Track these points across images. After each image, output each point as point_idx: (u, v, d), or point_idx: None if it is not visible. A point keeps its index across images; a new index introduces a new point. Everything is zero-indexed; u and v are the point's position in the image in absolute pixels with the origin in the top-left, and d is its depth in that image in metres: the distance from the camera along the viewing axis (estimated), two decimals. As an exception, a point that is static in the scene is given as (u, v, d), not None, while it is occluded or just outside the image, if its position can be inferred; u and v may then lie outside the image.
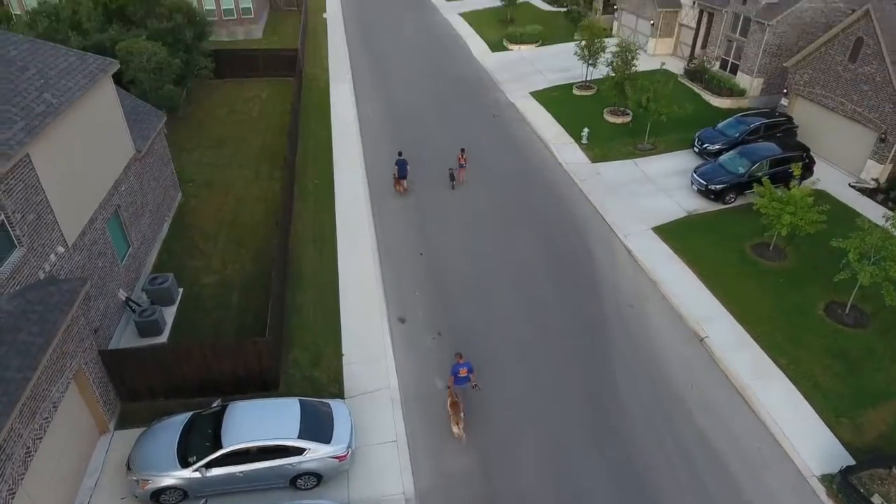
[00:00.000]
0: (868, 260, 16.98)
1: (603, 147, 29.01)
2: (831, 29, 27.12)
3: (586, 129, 29.39)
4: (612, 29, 45.30)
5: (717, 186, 23.79)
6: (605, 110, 32.13)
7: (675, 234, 22.66)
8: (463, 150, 26.18)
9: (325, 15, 53.53)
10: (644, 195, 25.18)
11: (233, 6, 43.76)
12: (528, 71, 39.49)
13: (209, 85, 34.62)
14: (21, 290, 11.92)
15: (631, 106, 28.94)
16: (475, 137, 30.16)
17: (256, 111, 32.62)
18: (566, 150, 28.92)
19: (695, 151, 27.98)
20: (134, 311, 17.21)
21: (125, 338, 16.83)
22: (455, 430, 14.43)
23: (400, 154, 25.26)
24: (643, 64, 32.64)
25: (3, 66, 13.39)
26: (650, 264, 21.02)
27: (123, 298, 17.32)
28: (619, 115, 31.47)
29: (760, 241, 21.69)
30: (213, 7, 43.20)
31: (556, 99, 34.71)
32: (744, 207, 23.85)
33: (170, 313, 17.90)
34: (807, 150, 24.80)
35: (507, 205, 24.56)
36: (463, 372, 14.98)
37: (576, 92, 35.26)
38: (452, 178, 25.72)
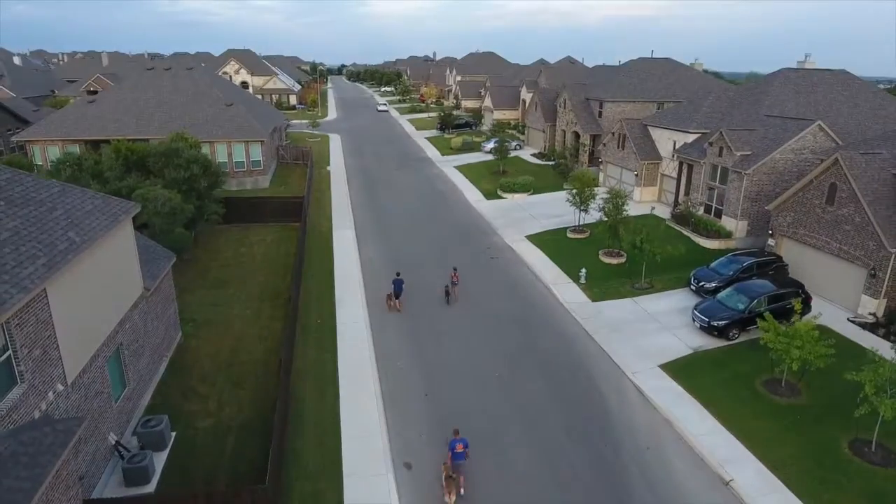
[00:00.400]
0: (886, 393, 16.63)
1: (601, 286, 29.58)
2: (804, 176, 29.29)
3: (584, 270, 30.18)
4: (598, 179, 48.51)
5: (720, 323, 23.92)
6: (599, 252, 33.27)
7: (684, 371, 22.30)
8: (455, 269, 29.09)
9: (328, 168, 57.24)
10: (648, 333, 25.17)
11: (244, 159, 46.83)
12: (522, 216, 41.49)
13: (216, 229, 35.86)
14: (14, 430, 11.21)
15: (625, 247, 30.06)
16: (475, 277, 30.82)
17: (260, 254, 33.45)
18: (566, 290, 29.41)
19: (691, 289, 28.55)
20: (122, 456, 16.11)
21: (110, 486, 15.54)
22: (447, 499, 15.42)
23: (398, 274, 27.66)
24: (631, 210, 34.51)
25: (33, 207, 13.92)
26: (663, 403, 20.39)
27: (113, 442, 16.29)
28: (614, 257, 32.54)
29: (771, 377, 21.35)
30: (226, 160, 46.21)
31: (551, 242, 36.07)
32: (748, 343, 23.80)
33: (160, 459, 16.74)
34: (801, 286, 25.41)
35: (512, 343, 24.38)
36: (459, 447, 16.26)
37: (570, 235, 36.76)
38: (448, 293, 27.99)
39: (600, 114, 53.00)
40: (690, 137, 39.54)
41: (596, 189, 37.10)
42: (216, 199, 33.31)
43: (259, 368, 21.82)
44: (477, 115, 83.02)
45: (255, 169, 47.50)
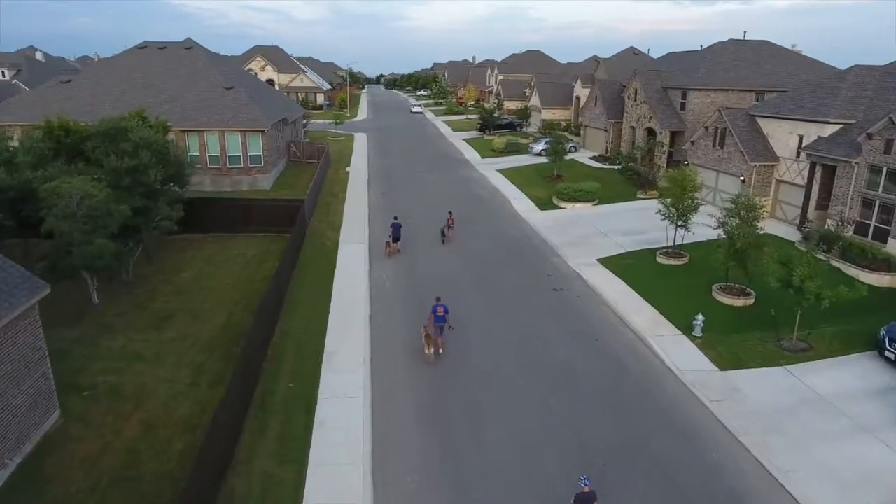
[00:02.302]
0: None
1: (728, 343, 19.34)
2: None
3: (700, 317, 19.94)
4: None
5: (985, 433, 13.43)
6: (713, 287, 22.99)
7: (937, 529, 11.93)
8: (451, 213, 30.30)
9: (347, 168, 48.27)
10: (833, 437, 14.83)
11: (240, 153, 38.14)
12: (588, 232, 31.43)
13: (182, 241, 26.99)
14: None
15: (770, 283, 19.76)
16: (534, 321, 21.02)
17: (233, 275, 24.31)
18: (674, 348, 19.25)
19: (888, 358, 18.02)
20: None
21: None
22: (427, 351, 17.83)
23: (395, 218, 28.00)
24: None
25: None
26: None
27: None
28: (737, 295, 22.23)
29: None
30: (218, 153, 37.61)
31: (635, 269, 25.95)
32: None
33: None
34: None
35: (600, 439, 14.36)
36: (440, 311, 18.14)
37: (661, 260, 26.55)
38: (444, 234, 29.21)
39: (683, 106, 42.56)
40: (827, 130, 28.90)
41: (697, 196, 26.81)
42: (175, 199, 24.35)
43: (165, 486, 12.39)
44: (523, 114, 73.18)
45: (254, 166, 38.76)
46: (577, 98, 66.09)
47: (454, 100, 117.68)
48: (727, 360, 18.46)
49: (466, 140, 66.71)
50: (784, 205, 31.85)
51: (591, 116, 55.30)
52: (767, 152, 32.30)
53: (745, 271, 21.41)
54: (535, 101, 73.82)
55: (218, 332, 19.47)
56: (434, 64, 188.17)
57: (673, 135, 42.47)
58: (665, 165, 42.08)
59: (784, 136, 31.64)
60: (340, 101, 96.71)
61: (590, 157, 51.91)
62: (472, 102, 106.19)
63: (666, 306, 22.01)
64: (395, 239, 27.03)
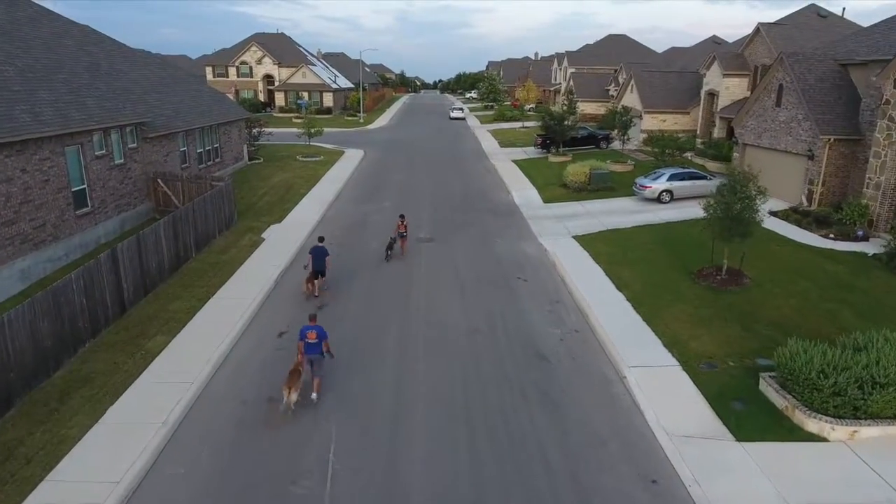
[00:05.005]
0: None
1: None
2: None
3: None
4: None
5: None
6: None
7: None
8: (403, 217, 20.18)
9: (266, 231, 23.68)
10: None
11: None
12: None
13: None
14: None
15: None
16: None
17: None
18: None
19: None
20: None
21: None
22: (286, 394, 11.18)
23: (321, 241, 16.68)
24: None
25: None
26: None
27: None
28: None
29: None
30: None
31: None
32: None
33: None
34: None
35: None
36: (311, 336, 11.58)
37: None
38: (390, 248, 19.54)
39: None
40: None
41: None
42: None
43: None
44: (611, 121, 46.55)
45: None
46: (711, 95, 39.30)
47: (509, 102, 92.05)
48: None
49: (519, 162, 41.18)
50: None
51: (765, 128, 28.54)
52: None
53: None
54: (630, 100, 47.37)
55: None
56: (488, 63, 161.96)
57: None
58: None
59: None
60: (353, 102, 73.29)
61: (770, 213, 25.19)
62: (533, 105, 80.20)
63: None
64: (318, 272, 16.18)
